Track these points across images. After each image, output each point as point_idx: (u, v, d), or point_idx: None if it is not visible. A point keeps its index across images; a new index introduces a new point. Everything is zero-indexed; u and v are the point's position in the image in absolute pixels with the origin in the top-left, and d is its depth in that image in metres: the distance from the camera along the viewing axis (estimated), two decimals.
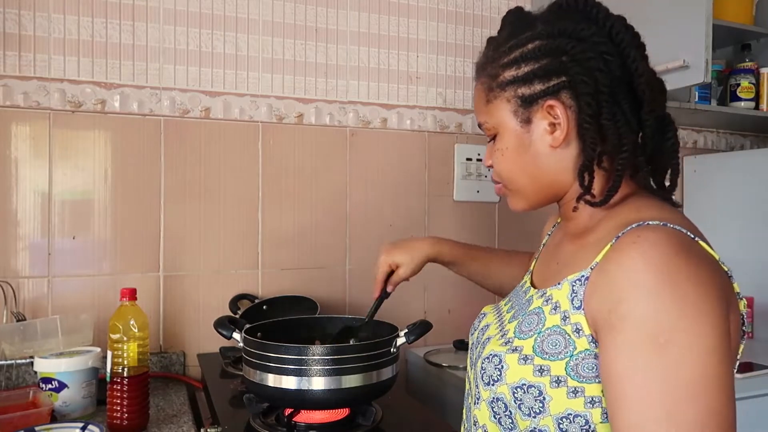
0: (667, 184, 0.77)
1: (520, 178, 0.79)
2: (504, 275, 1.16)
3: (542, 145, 0.75)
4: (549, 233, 0.96)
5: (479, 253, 1.18)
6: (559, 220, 0.94)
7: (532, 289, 0.81)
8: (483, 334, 0.82)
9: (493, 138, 0.81)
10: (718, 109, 1.92)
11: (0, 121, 1.41)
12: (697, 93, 1.90)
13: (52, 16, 1.45)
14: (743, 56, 1.98)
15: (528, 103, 0.75)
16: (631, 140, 0.72)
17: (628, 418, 0.58)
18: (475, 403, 0.75)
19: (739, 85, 1.95)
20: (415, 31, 1.79)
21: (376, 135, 1.75)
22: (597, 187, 0.74)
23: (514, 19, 0.80)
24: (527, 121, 0.76)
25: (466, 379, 0.87)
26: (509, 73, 0.76)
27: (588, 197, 0.73)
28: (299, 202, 1.67)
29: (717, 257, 0.66)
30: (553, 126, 0.74)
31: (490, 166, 0.84)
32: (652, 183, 0.77)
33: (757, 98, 1.96)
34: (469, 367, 0.86)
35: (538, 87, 0.74)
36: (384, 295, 1.16)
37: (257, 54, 1.63)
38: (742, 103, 1.96)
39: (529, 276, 0.88)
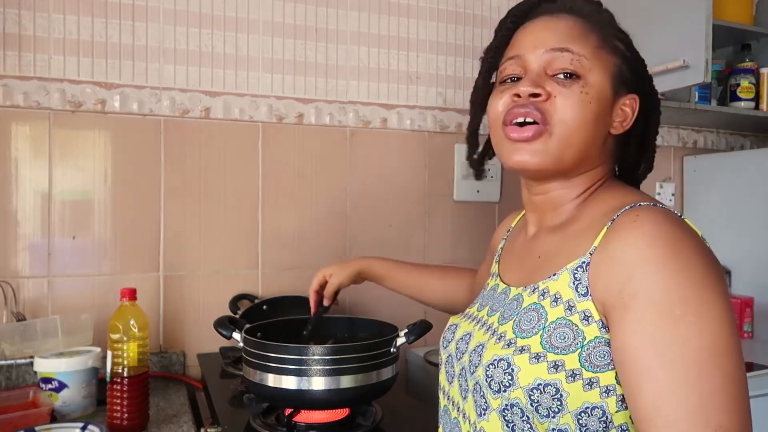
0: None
1: (577, 129, 0.72)
2: (439, 290, 1.19)
3: (607, 122, 0.76)
4: (504, 237, 0.96)
5: (411, 268, 1.22)
6: (515, 223, 0.96)
7: (513, 288, 0.79)
8: (466, 344, 0.78)
9: (569, 75, 0.73)
10: (718, 109, 1.92)
11: (0, 121, 1.41)
12: (697, 93, 1.91)
13: (52, 16, 1.45)
14: (743, 56, 1.98)
15: (622, 82, 0.77)
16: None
17: (653, 390, 0.58)
18: (480, 415, 0.71)
19: (739, 85, 1.95)
20: (415, 31, 1.79)
21: (376, 135, 1.75)
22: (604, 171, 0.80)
23: (610, 17, 0.80)
24: (616, 93, 0.76)
25: (442, 397, 0.83)
26: (619, 45, 0.77)
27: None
28: (299, 202, 1.67)
29: (700, 234, 0.68)
30: (622, 116, 0.77)
31: (538, 96, 0.73)
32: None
33: (757, 98, 1.96)
34: (445, 382, 0.82)
35: (632, 78, 0.78)
36: (321, 309, 1.21)
37: (257, 54, 1.63)
38: (742, 103, 1.96)
39: (497, 278, 0.86)
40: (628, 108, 0.77)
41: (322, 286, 1.21)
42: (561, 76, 0.73)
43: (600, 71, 0.74)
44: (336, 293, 1.21)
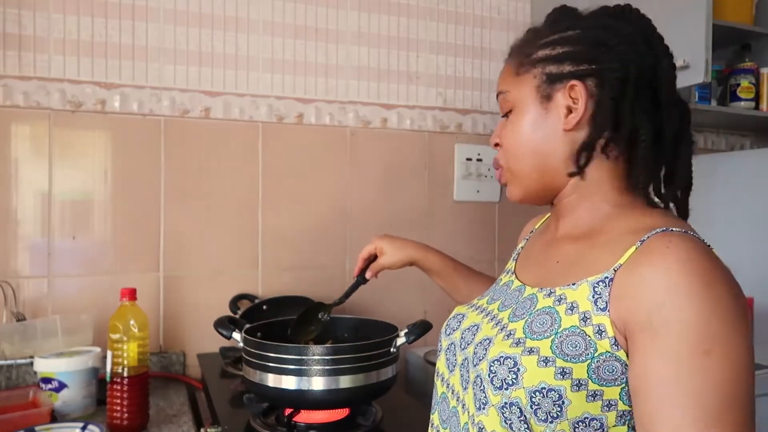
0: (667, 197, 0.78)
1: (525, 157, 0.79)
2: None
3: (555, 126, 0.76)
4: (526, 238, 0.96)
5: (464, 271, 1.19)
6: (538, 226, 0.95)
7: (529, 287, 0.79)
8: (473, 335, 0.78)
9: (507, 114, 0.82)
10: (718, 109, 1.92)
11: (0, 121, 1.41)
12: (697, 93, 1.90)
13: (52, 16, 1.45)
14: (743, 56, 1.98)
15: (552, 80, 0.76)
16: (648, 131, 0.73)
17: (673, 417, 0.59)
18: (479, 409, 0.71)
19: (739, 85, 1.95)
20: (415, 31, 1.79)
21: (376, 135, 1.75)
22: (594, 174, 0.75)
23: (560, 15, 0.81)
24: (547, 98, 0.76)
25: (440, 384, 0.83)
26: (543, 52, 0.77)
27: (576, 178, 0.76)
28: (299, 202, 1.67)
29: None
30: (569, 110, 0.75)
31: (497, 145, 0.84)
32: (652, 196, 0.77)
33: (757, 98, 1.96)
34: (444, 370, 0.82)
35: (567, 68, 0.75)
36: (361, 279, 1.19)
37: (257, 54, 1.63)
38: (742, 103, 1.96)
39: (512, 275, 0.86)
40: (569, 100, 0.75)
41: (372, 255, 1.19)
42: (504, 118, 0.83)
43: (525, 92, 0.78)
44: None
